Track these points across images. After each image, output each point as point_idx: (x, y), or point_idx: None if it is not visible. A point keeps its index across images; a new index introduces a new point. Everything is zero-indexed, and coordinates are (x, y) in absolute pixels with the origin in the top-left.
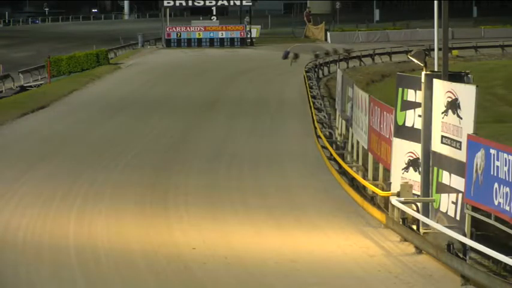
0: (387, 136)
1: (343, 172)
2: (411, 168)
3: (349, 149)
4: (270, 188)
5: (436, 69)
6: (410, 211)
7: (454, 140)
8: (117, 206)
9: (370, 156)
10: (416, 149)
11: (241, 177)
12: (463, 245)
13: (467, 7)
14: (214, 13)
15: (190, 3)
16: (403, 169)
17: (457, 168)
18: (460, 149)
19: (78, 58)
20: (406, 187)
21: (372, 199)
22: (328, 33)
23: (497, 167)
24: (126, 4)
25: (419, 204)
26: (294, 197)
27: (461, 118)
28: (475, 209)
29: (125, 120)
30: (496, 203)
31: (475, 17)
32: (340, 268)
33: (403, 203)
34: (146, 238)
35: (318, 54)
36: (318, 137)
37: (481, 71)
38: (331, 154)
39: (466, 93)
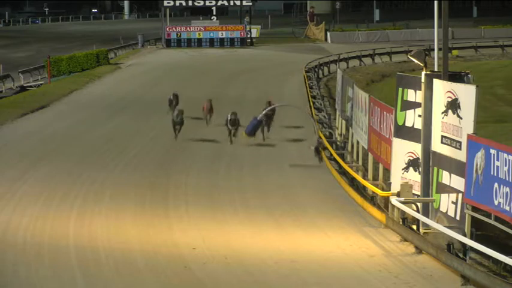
0: (387, 136)
1: (343, 172)
2: (411, 168)
3: (349, 149)
4: (270, 188)
5: (436, 69)
6: (410, 211)
7: (454, 140)
8: (117, 206)
9: (370, 156)
10: (416, 149)
11: (241, 177)
12: (463, 245)
13: (467, 7)
14: (214, 13)
15: (190, 3)
16: (403, 169)
17: (457, 168)
18: (460, 149)
19: (78, 58)
20: (406, 187)
21: (372, 199)
22: (328, 33)
23: (497, 167)
24: (126, 4)
25: (419, 204)
26: (294, 197)
27: (461, 118)
28: (475, 209)
29: (125, 120)
30: (496, 203)
31: (475, 17)
32: (340, 268)
33: (403, 203)
34: (146, 238)
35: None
36: None
37: (481, 71)
38: (331, 154)
39: (466, 93)
